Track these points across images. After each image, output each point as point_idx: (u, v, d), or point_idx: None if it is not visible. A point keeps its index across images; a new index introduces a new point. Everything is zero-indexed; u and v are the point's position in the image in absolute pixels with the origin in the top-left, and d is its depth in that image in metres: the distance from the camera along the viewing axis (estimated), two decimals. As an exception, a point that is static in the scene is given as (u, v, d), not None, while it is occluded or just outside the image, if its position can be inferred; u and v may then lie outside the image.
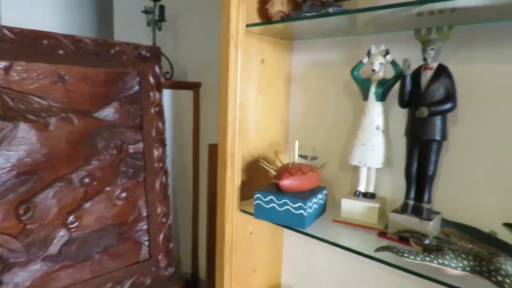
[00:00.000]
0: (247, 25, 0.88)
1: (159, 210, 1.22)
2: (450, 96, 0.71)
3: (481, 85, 0.74)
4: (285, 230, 1.14)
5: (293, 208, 0.81)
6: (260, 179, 1.02)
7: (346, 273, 1.00)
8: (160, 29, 1.38)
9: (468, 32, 0.75)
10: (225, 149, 0.92)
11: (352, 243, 0.76)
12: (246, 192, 0.98)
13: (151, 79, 1.20)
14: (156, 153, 1.21)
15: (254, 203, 0.86)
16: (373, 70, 0.81)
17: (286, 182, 0.82)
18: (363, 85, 0.83)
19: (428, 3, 0.62)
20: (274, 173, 0.85)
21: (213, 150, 1.25)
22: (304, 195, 0.83)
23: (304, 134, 1.05)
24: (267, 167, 0.87)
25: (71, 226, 1.05)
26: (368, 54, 0.82)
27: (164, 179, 1.24)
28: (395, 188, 0.88)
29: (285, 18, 0.88)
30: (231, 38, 0.87)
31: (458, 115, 0.77)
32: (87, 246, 1.08)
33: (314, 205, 0.85)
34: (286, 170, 0.84)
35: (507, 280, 0.54)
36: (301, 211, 0.80)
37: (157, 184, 1.22)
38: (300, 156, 0.94)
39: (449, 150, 0.79)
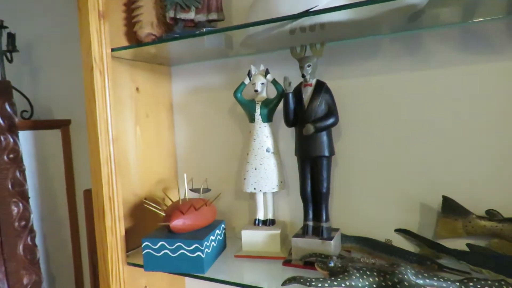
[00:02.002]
0: (113, 50, 0.77)
1: (25, 280, 0.98)
2: (332, 110, 0.71)
3: (355, 97, 0.77)
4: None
5: (189, 251, 0.71)
6: (150, 223, 0.89)
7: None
8: (10, 61, 1.16)
9: (339, 48, 0.77)
10: (101, 194, 0.77)
11: (258, 278, 0.69)
12: (134, 241, 0.85)
13: (0, 120, 0.98)
14: (15, 209, 0.98)
15: (143, 252, 0.74)
16: (256, 91, 0.78)
17: (177, 223, 0.72)
18: (248, 106, 0.79)
19: (291, 19, 0.61)
20: (163, 214, 0.75)
21: (90, 196, 1.07)
22: (199, 234, 0.74)
23: (194, 165, 0.97)
24: (153, 209, 0.76)
25: None
26: (249, 74, 0.79)
27: (30, 240, 1.00)
28: (292, 210, 0.85)
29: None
30: (94, 64, 0.75)
31: (341, 129, 0.78)
32: None
33: (213, 243, 0.76)
34: (176, 209, 0.74)
35: (411, 291, 0.53)
36: (198, 253, 0.71)
37: (20, 248, 0.98)
38: (192, 190, 0.85)
39: (338, 164, 0.79)
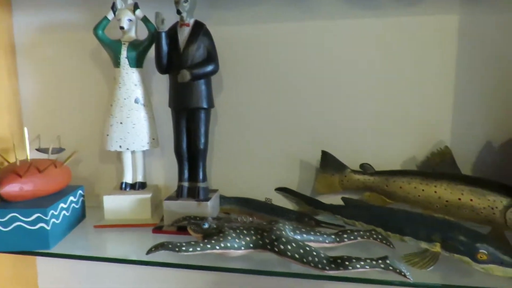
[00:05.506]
0: None
1: None
2: (211, 56, 0.62)
3: (238, 46, 0.69)
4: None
5: (28, 223, 0.56)
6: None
7: (127, 285, 0.82)
8: None
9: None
10: None
11: (124, 250, 0.60)
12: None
13: None
14: None
15: (-39, 229, 0.56)
16: (122, 28, 0.64)
17: (11, 188, 0.56)
18: (112, 47, 0.65)
19: None
20: (-9, 178, 0.57)
21: None
22: (44, 201, 0.59)
23: (46, 121, 0.78)
24: (-24, 172, 0.57)
25: None
26: (113, 8, 0.65)
27: None
28: (167, 172, 0.75)
29: None
30: None
31: (221, 80, 0.71)
32: None
33: (64, 211, 0.62)
34: (10, 171, 0.57)
35: (289, 247, 0.49)
36: (42, 224, 0.56)
37: None
38: (38, 150, 0.68)
39: (218, 120, 0.72)
